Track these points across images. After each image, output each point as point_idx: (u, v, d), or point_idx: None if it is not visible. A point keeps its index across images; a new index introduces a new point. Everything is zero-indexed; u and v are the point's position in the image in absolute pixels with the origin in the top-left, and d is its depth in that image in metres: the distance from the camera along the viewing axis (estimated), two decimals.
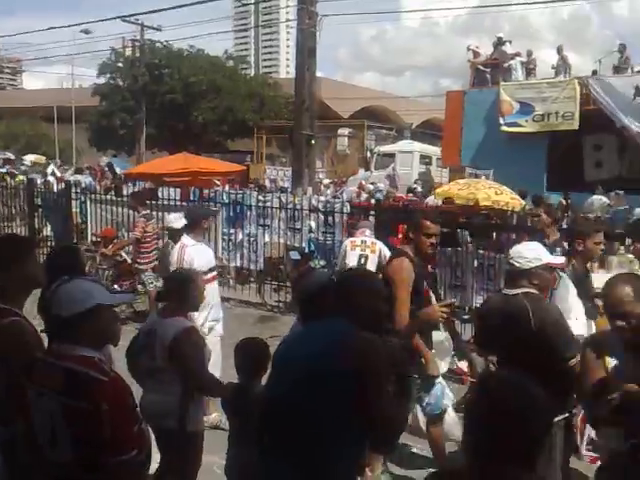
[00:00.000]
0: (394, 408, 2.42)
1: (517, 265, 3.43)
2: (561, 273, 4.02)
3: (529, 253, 3.44)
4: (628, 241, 6.69)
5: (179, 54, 29.84)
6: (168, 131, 28.38)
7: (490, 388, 1.61)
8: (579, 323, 3.75)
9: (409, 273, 3.85)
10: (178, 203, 9.01)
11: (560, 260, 3.76)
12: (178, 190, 9.52)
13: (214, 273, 5.19)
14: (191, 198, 9.35)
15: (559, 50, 17.58)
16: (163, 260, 6.60)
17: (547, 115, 16.69)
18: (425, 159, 21.09)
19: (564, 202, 12.91)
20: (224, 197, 9.19)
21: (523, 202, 9.82)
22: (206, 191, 9.51)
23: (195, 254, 5.12)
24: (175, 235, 6.15)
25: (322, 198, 9.42)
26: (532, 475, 1.56)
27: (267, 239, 8.74)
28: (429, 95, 43.80)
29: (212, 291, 5.11)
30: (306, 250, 8.37)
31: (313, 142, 12.12)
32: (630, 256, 5.46)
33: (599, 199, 13.18)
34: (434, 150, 21.12)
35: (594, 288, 4.24)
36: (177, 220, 6.24)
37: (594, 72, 17.16)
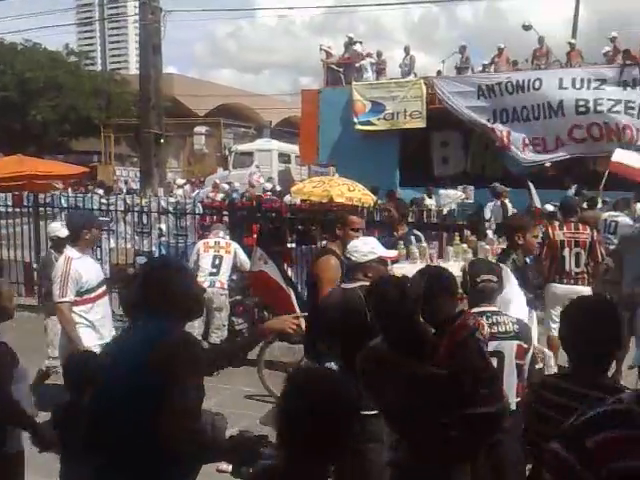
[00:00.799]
0: (184, 427, 2.06)
1: (353, 259, 3.58)
2: (502, 265, 4.13)
3: (364, 247, 3.60)
4: (467, 232, 7.21)
5: (12, 48, 27.67)
6: (3, 132, 26.17)
7: (295, 382, 1.65)
8: (520, 314, 3.77)
9: (336, 271, 3.90)
10: (10, 210, 8.33)
11: (393, 253, 3.97)
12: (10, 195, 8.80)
13: (104, 288, 4.81)
14: (25, 203, 8.68)
15: (406, 50, 18.63)
16: (44, 270, 6.12)
17: (397, 114, 17.61)
18: (284, 157, 21.38)
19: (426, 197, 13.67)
20: (62, 201, 8.62)
21: (375, 198, 10.28)
22: (42, 195, 8.86)
23: (82, 268, 4.68)
24: (59, 245, 5.66)
25: (172, 199, 9.18)
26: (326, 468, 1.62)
27: (113, 245, 8.34)
28: (288, 93, 44.38)
29: (104, 307, 4.81)
30: (156, 255, 8.11)
31: (162, 141, 11.77)
32: (464, 246, 5.93)
33: (454, 193, 14.22)
34: (293, 148, 21.47)
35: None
36: (62, 228, 5.72)
37: (438, 72, 18.42)
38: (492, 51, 17.77)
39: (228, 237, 7.11)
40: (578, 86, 15.38)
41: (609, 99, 15.06)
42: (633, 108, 14.87)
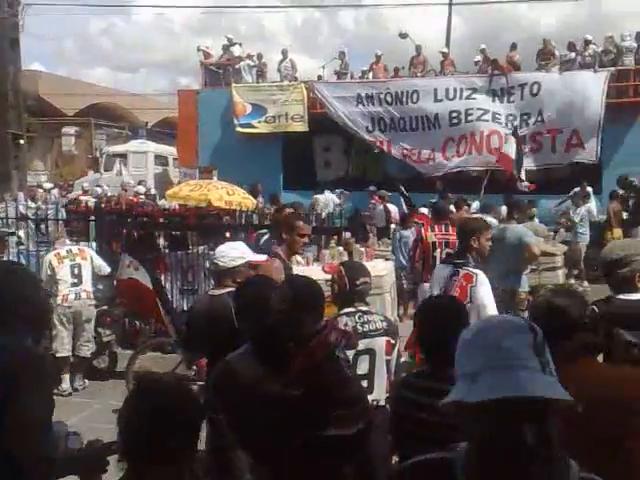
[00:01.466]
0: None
1: (221, 264, 3.50)
2: (475, 271, 4.25)
3: (232, 252, 3.53)
4: (346, 235, 7.36)
5: None
6: None
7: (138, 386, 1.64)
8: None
9: (279, 273, 3.95)
10: None
11: (262, 257, 3.95)
12: None
13: None
14: None
15: (284, 54, 18.77)
16: None
17: (279, 117, 17.73)
18: (161, 160, 20.75)
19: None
20: None
21: (255, 201, 10.24)
22: None
23: None
24: None
25: (33, 204, 8.57)
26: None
27: None
28: (166, 93, 43.15)
29: None
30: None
31: (23, 141, 10.96)
32: (340, 249, 6.06)
33: (331, 197, 14.55)
34: (170, 150, 20.90)
35: None
36: None
37: (319, 77, 18.76)
38: (372, 58, 18.37)
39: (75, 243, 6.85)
40: (451, 96, 16.33)
41: (479, 108, 16.12)
42: (500, 117, 16.01)
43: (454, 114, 16.19)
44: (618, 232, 12.36)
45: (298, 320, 2.57)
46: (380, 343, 3.36)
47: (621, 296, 3.21)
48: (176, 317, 5.42)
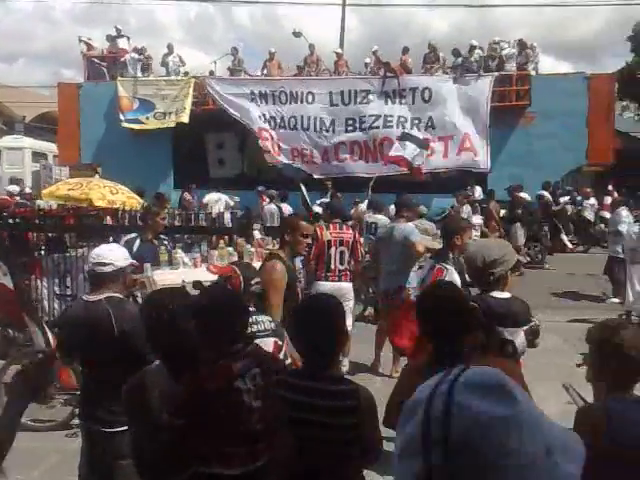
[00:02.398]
0: None
1: (99, 269, 3.31)
2: (447, 265, 4.61)
3: (111, 255, 3.36)
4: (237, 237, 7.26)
5: None
6: None
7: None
8: None
9: (282, 276, 3.98)
10: None
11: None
12: None
13: None
14: None
15: (169, 48, 18.29)
16: None
17: (168, 113, 17.25)
18: (40, 156, 19.55)
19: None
20: None
21: (141, 200, 9.86)
22: None
23: None
24: None
25: None
26: None
27: None
28: (47, 86, 40.75)
29: None
30: None
31: None
32: (230, 249, 6.01)
33: (224, 197, 14.38)
34: (51, 147, 19.75)
35: None
36: None
37: (211, 72, 18.45)
38: (267, 55, 18.31)
39: None
40: (347, 101, 16.59)
41: (371, 115, 16.47)
42: (391, 121, 16.47)
43: (350, 121, 16.45)
44: (496, 232, 13.19)
45: (204, 340, 2.36)
46: (268, 344, 3.33)
47: (495, 294, 3.39)
48: (49, 325, 5.09)
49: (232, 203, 13.78)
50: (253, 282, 3.45)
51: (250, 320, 3.33)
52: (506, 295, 3.41)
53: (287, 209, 12.54)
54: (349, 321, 6.89)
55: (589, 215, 17.23)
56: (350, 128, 16.46)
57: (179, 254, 5.93)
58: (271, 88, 16.94)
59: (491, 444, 0.83)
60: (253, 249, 5.97)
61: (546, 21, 64.78)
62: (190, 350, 2.35)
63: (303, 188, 13.65)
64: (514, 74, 16.62)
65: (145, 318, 2.53)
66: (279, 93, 16.77)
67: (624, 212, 10.05)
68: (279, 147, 16.72)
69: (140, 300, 4.36)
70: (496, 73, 16.46)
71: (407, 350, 4.49)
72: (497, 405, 0.85)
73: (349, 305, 6.88)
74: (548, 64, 63.72)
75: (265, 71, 17.98)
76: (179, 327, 2.38)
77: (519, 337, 3.32)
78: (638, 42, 27.85)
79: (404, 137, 15.19)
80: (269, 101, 16.80)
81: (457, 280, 4.52)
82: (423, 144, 15.40)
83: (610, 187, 18.39)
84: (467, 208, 13.23)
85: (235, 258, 5.67)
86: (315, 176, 16.32)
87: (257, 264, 5.84)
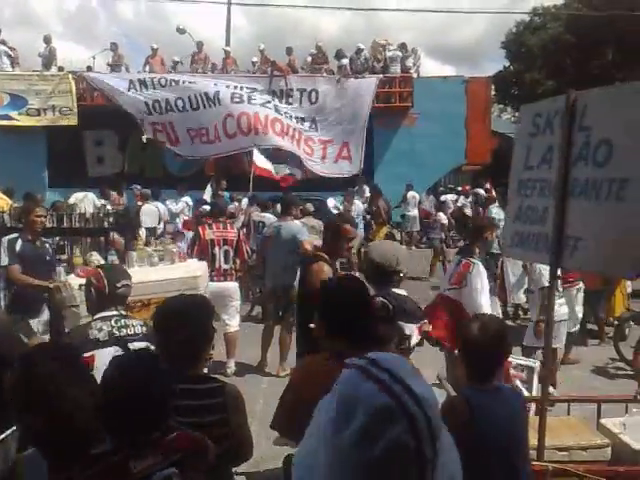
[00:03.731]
0: None
1: None
2: (474, 260, 4.86)
3: None
4: (114, 235, 6.92)
5: None
6: None
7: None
8: (486, 302, 4.70)
9: (329, 275, 3.99)
10: None
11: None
12: None
13: None
14: None
15: (46, 40, 17.24)
16: None
17: (43, 110, 16.29)
18: None
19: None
20: None
21: (10, 201, 9.17)
22: None
23: None
24: None
25: None
26: None
27: None
28: None
29: None
30: None
31: None
32: (149, 249, 5.78)
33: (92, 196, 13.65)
34: None
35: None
36: None
37: (89, 68, 17.61)
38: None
39: None
40: (237, 99, 16.43)
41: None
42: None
43: (236, 96, 16.29)
44: (384, 230, 13.58)
45: (107, 423, 1.81)
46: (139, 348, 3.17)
47: (396, 290, 3.52)
48: None
49: (99, 203, 13.14)
50: (119, 285, 3.30)
51: (118, 324, 3.17)
52: (403, 292, 3.57)
53: (162, 209, 12.02)
54: (235, 321, 6.80)
55: (469, 212, 18.15)
56: (237, 99, 16.31)
57: (94, 256, 5.89)
58: (150, 75, 16.63)
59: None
60: (175, 249, 5.82)
61: (431, 26, 67.90)
62: (78, 433, 1.75)
63: (209, 187, 13.31)
64: (397, 76, 17.18)
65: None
66: (159, 79, 16.40)
67: (494, 209, 10.64)
68: (175, 135, 16.23)
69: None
70: (381, 75, 16.94)
71: (443, 339, 4.68)
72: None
73: (235, 305, 6.80)
74: (434, 68, 66.93)
75: (147, 68, 17.42)
76: (64, 396, 1.76)
77: (414, 333, 3.40)
78: (511, 49, 29.75)
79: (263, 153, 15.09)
80: (149, 86, 16.35)
81: (484, 274, 4.83)
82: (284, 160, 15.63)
83: (487, 185, 19.50)
84: (357, 206, 13.50)
85: (156, 259, 5.48)
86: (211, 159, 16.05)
87: (182, 264, 5.68)
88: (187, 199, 13.34)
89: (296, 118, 16.50)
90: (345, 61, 17.00)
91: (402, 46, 17.58)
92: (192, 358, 2.33)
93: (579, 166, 2.70)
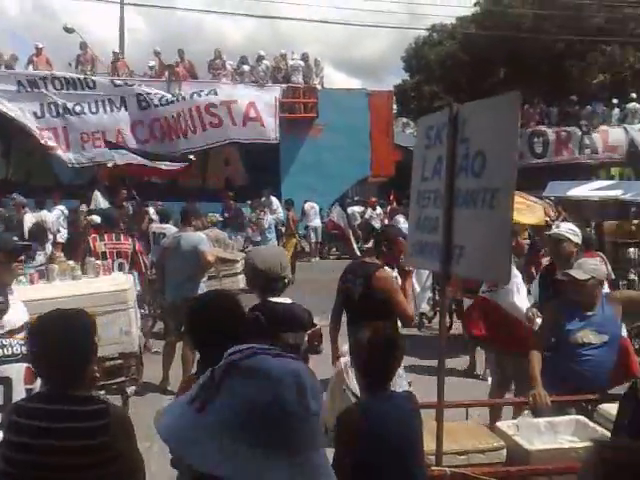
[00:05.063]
0: None
1: None
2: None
3: None
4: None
5: None
6: None
7: None
8: (522, 303, 4.95)
9: (394, 283, 4.36)
10: None
11: None
12: None
13: None
14: None
15: None
16: None
17: None
18: None
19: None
20: None
21: None
22: None
23: None
24: None
25: None
26: None
27: None
28: None
29: None
30: None
31: None
32: (71, 263, 5.45)
33: None
34: None
35: None
36: None
37: None
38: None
39: None
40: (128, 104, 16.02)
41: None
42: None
43: (142, 98, 15.92)
44: (294, 241, 13.67)
45: None
46: (18, 369, 2.98)
47: (277, 300, 3.48)
48: None
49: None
50: None
51: None
52: (288, 300, 3.52)
53: (50, 220, 11.44)
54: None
55: (376, 223, 18.55)
56: (144, 104, 16.00)
57: None
58: (41, 75, 15.92)
59: None
60: (99, 261, 5.53)
61: (338, 40, 69.24)
62: None
63: (134, 194, 12.78)
64: (301, 86, 17.37)
65: None
66: (51, 79, 15.72)
67: (401, 219, 10.99)
68: (65, 137, 15.51)
69: None
70: (284, 85, 17.07)
71: (483, 339, 5.02)
72: None
73: None
74: (341, 80, 68.17)
75: (31, 67, 16.61)
76: None
77: (304, 342, 3.39)
78: (410, 63, 30.90)
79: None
80: (41, 87, 15.62)
81: (518, 276, 5.08)
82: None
83: (391, 197, 20.05)
84: (269, 216, 13.52)
85: (79, 273, 5.19)
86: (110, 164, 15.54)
87: (106, 277, 5.34)
88: (62, 207, 12.70)
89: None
90: (246, 67, 17.01)
91: (304, 56, 17.81)
92: (72, 378, 2.20)
93: (461, 177, 2.85)
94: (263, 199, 15.04)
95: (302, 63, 17.54)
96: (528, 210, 7.58)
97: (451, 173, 2.87)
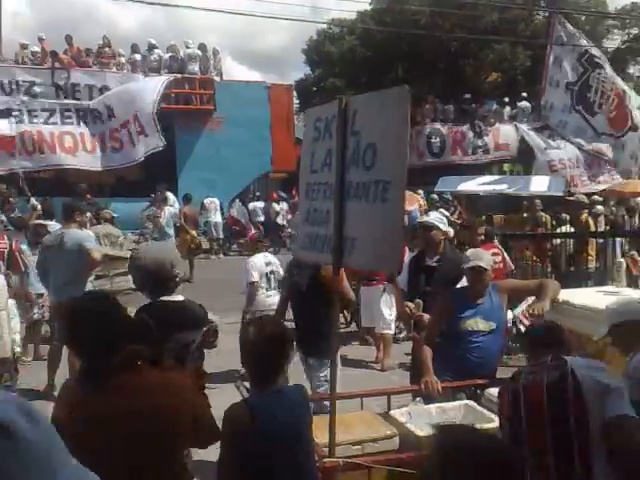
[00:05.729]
0: None
1: None
2: None
3: None
4: None
5: None
6: None
7: None
8: None
9: None
10: None
11: None
12: None
13: None
14: None
15: None
16: None
17: None
18: None
19: None
20: None
21: None
22: None
23: None
24: None
25: None
26: None
27: None
28: None
29: None
30: None
31: None
32: None
33: None
34: None
35: None
36: None
37: None
38: None
39: None
40: (7, 91, 15.07)
41: (43, 109, 15.29)
42: (70, 117, 15.47)
43: (15, 112, 14.97)
44: (188, 237, 13.48)
45: None
46: None
47: (169, 298, 3.38)
48: None
49: None
50: None
51: None
52: (180, 298, 3.43)
53: None
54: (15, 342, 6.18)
55: (280, 219, 18.57)
56: (16, 120, 15.01)
57: None
58: None
59: None
60: None
61: (239, 31, 68.47)
62: None
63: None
64: (197, 77, 17.05)
65: None
66: None
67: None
68: None
69: None
70: (179, 75, 16.67)
71: None
72: None
73: (12, 323, 6.19)
74: (241, 73, 67.48)
75: None
76: None
77: (197, 339, 3.33)
78: (311, 57, 31.08)
79: None
80: None
81: None
82: None
83: (294, 192, 20.15)
84: (167, 212, 13.17)
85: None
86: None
87: None
88: None
89: (90, 113, 15.56)
90: (138, 57, 16.48)
91: (202, 46, 17.49)
92: None
93: (352, 170, 2.89)
94: (158, 193, 14.69)
95: (199, 52, 17.21)
96: (407, 199, 7.94)
97: (342, 166, 2.91)
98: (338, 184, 2.93)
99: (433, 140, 19.29)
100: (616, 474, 2.34)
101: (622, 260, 4.85)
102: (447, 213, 10.50)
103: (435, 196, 13.92)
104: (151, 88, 15.74)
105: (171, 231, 13.01)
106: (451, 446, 1.25)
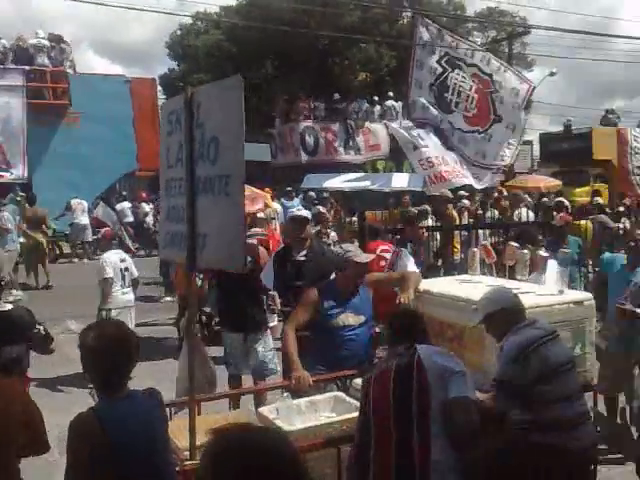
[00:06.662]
0: None
1: None
2: (402, 249, 5.64)
3: None
4: None
5: None
6: None
7: None
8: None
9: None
10: None
11: None
12: None
13: None
14: None
15: None
16: None
17: None
18: None
19: None
20: None
21: None
22: None
23: None
24: None
25: None
26: None
27: None
28: None
29: None
30: None
31: None
32: None
33: None
34: None
35: None
36: None
37: None
38: None
39: None
40: None
41: None
42: None
43: None
44: (32, 241, 12.76)
45: None
46: None
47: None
48: None
49: None
50: None
51: None
52: (7, 307, 3.33)
53: None
54: None
55: (149, 220, 17.96)
56: None
57: None
58: None
59: None
60: None
61: (102, 22, 65.28)
62: None
63: None
64: (49, 70, 16.08)
65: None
66: None
67: None
68: None
69: None
70: (27, 67, 15.65)
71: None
72: None
73: None
74: (103, 66, 64.39)
75: None
76: None
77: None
78: (176, 51, 30.45)
79: None
80: None
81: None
82: None
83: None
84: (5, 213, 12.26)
85: None
86: None
87: None
88: None
89: None
90: None
91: (54, 37, 16.50)
92: None
93: (200, 164, 2.86)
94: (10, 195, 13.76)
95: (47, 43, 16.19)
96: (249, 200, 7.93)
97: (191, 160, 2.87)
98: (188, 179, 2.89)
99: (307, 138, 19.50)
100: (455, 449, 2.57)
101: (475, 249, 5.20)
102: (324, 210, 10.71)
103: (312, 194, 14.15)
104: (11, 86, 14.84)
105: (14, 235, 12.16)
106: (221, 448, 1.23)
